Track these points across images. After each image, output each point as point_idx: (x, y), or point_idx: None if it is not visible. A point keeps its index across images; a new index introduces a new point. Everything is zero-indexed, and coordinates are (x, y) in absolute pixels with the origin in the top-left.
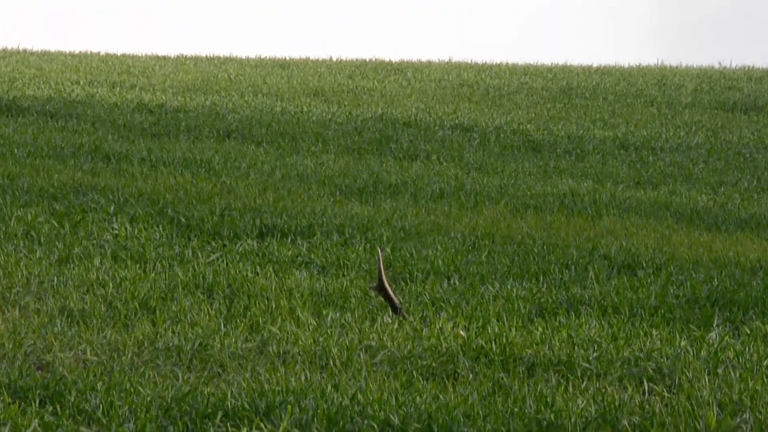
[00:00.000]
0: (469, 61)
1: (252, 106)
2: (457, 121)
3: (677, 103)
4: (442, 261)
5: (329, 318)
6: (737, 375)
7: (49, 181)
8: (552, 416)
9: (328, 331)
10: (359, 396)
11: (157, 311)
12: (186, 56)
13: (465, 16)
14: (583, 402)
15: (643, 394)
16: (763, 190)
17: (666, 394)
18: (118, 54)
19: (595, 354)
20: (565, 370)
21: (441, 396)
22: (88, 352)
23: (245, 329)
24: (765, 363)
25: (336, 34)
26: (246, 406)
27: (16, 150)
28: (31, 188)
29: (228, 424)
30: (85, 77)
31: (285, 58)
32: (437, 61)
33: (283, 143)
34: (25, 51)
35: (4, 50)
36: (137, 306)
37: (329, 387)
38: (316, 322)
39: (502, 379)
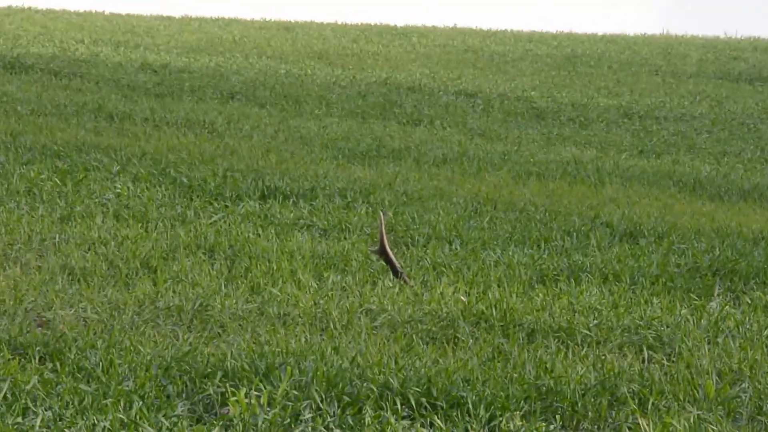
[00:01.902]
0: (474, 27)
1: (256, 68)
2: (461, 87)
3: (682, 72)
4: (444, 226)
5: (330, 281)
6: (737, 344)
7: (52, 139)
8: (551, 382)
9: (329, 294)
10: (359, 359)
11: (159, 271)
12: (191, 17)
13: None
14: (582, 369)
15: (643, 362)
16: (766, 160)
17: (665, 362)
18: (123, 13)
19: (596, 321)
20: (565, 336)
21: (441, 360)
22: (89, 310)
23: (246, 290)
24: (765, 333)
25: None
26: (246, 366)
27: (19, 107)
28: (34, 146)
29: (227, 384)
30: (89, 36)
31: (290, 21)
32: (442, 26)
33: (286, 106)
34: (29, 9)
35: (9, 8)
36: (138, 265)
37: (329, 349)
38: (317, 284)
39: (502, 344)
